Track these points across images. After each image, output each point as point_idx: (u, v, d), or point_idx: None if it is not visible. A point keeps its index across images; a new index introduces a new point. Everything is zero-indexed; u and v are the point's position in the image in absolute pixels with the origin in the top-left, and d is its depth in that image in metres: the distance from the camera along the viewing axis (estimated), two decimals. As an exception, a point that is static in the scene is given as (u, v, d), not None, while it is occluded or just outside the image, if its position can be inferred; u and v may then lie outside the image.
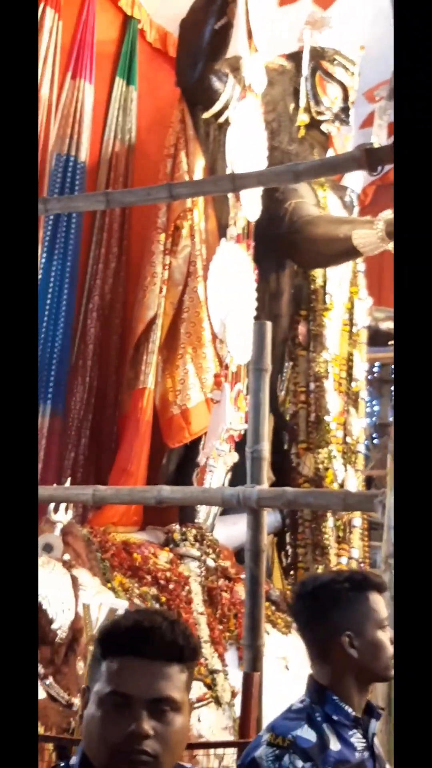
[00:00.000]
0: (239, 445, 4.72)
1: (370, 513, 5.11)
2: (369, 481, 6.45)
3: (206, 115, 5.26)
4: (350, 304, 5.84)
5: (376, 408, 7.73)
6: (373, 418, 7.59)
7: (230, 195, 5.01)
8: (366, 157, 3.22)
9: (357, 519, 5.57)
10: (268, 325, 3.46)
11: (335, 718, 1.81)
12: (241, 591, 4.45)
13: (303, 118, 5.82)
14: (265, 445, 3.29)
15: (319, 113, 5.85)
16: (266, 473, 3.32)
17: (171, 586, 4.30)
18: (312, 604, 1.92)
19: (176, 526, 4.71)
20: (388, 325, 6.14)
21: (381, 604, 1.92)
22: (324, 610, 1.89)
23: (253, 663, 3.04)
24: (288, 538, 5.48)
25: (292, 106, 5.84)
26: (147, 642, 1.30)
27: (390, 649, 1.87)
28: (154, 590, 4.25)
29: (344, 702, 1.83)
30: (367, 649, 1.85)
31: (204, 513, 4.93)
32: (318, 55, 5.87)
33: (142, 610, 1.50)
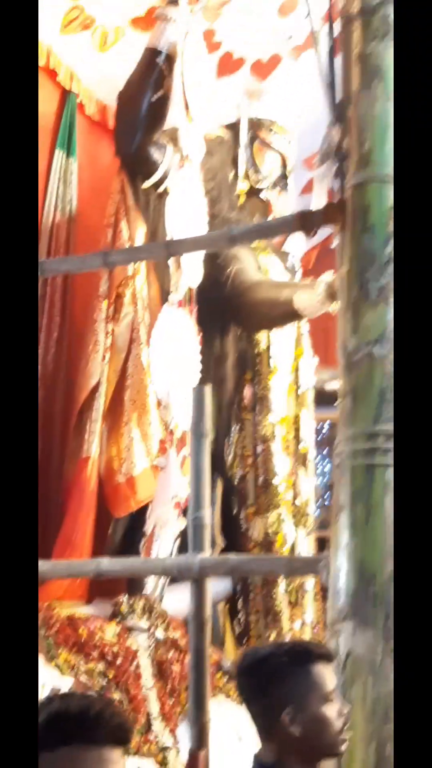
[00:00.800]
0: (186, 512, 4.65)
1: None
2: (322, 542, 6.40)
3: (146, 185, 5.32)
4: (296, 365, 5.86)
5: (327, 468, 7.73)
6: (324, 478, 7.58)
7: (171, 262, 5.04)
8: (300, 221, 3.27)
9: (310, 582, 5.50)
10: (207, 389, 3.45)
11: (278, 800, 1.74)
12: (192, 662, 4.34)
13: (242, 186, 5.91)
14: (206, 511, 3.24)
15: (258, 181, 5.96)
16: (209, 541, 3.26)
17: (119, 661, 4.17)
18: (251, 680, 1.87)
19: (123, 598, 4.59)
20: (333, 386, 6.16)
21: (327, 676, 1.85)
22: (263, 685, 1.83)
23: (198, 740, 2.94)
24: (240, 605, 5.39)
25: (231, 174, 5.94)
26: (97, 727, 1.24)
27: (337, 723, 1.81)
28: (101, 666, 4.13)
29: (287, 783, 1.76)
30: (311, 725, 1.78)
31: (152, 583, 4.83)
32: (255, 124, 6.00)
33: (72, 694, 1.44)
